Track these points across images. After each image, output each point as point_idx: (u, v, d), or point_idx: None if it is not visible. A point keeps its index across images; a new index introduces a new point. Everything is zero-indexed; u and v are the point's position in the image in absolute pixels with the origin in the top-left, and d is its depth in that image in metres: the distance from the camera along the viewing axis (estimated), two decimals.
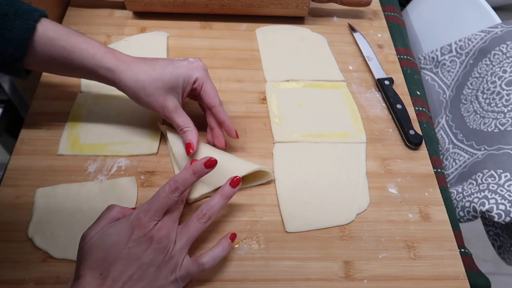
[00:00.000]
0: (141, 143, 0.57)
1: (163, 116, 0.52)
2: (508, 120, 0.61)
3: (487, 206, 0.56)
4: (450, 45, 0.74)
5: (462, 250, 0.53)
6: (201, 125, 0.57)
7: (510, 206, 0.55)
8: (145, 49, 0.67)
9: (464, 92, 0.70)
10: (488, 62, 0.67)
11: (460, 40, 0.72)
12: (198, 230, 0.45)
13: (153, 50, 0.67)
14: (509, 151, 0.58)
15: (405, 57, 0.74)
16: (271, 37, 0.73)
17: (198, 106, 0.57)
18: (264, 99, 0.64)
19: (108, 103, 0.61)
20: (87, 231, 0.43)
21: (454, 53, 0.73)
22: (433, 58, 0.76)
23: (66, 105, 0.60)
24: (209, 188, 0.51)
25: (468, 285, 0.49)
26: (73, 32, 0.49)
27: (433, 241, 0.52)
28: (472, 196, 0.58)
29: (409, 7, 0.93)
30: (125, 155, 0.56)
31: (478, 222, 0.63)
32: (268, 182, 0.55)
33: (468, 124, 0.67)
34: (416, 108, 0.67)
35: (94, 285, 0.40)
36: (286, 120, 0.61)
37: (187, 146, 0.51)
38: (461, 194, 0.60)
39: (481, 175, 0.59)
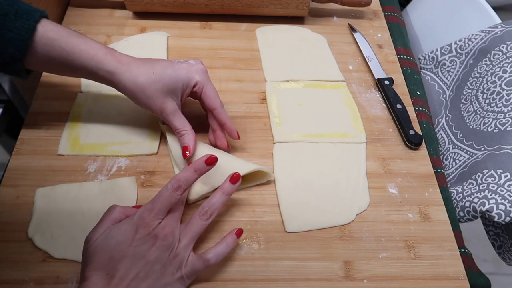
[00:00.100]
0: (141, 143, 0.57)
1: (162, 118, 0.53)
2: (508, 120, 0.61)
3: (487, 206, 0.56)
4: (450, 45, 0.74)
5: (462, 250, 0.53)
6: (202, 125, 0.57)
7: (510, 206, 0.55)
8: (145, 49, 0.67)
9: (464, 92, 0.70)
10: (488, 62, 0.67)
11: (460, 40, 0.72)
12: (201, 227, 0.45)
13: (153, 50, 0.67)
14: (509, 151, 0.58)
15: (405, 57, 0.74)
16: (271, 37, 0.73)
17: (199, 107, 0.57)
18: (264, 99, 0.64)
19: (108, 103, 0.61)
20: (90, 233, 0.43)
21: (454, 53, 0.73)
22: (433, 58, 0.76)
23: (66, 105, 0.60)
24: (208, 189, 0.51)
25: (468, 285, 0.49)
26: (74, 33, 0.49)
27: (433, 241, 0.52)
28: (472, 196, 0.58)
29: (409, 7, 0.93)
30: (125, 155, 0.56)
31: (478, 222, 0.63)
32: (268, 182, 0.55)
33: (468, 124, 0.67)
34: (416, 108, 0.67)
35: (101, 286, 0.40)
36: (286, 120, 0.61)
37: (183, 150, 0.52)
38: (461, 194, 0.60)
39: (481, 175, 0.59)
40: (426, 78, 0.77)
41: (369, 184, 0.56)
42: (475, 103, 0.67)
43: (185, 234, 0.45)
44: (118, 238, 0.41)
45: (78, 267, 0.46)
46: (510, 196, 0.55)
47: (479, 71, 0.68)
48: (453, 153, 0.68)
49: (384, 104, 0.65)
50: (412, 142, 0.59)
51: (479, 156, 0.62)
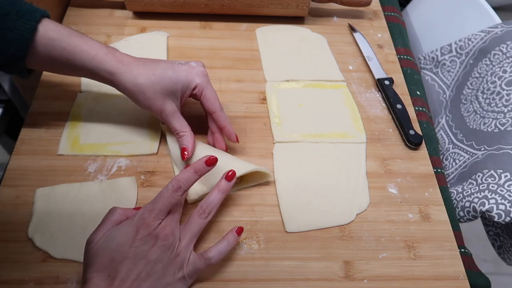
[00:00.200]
0: (141, 143, 0.57)
1: (161, 119, 0.53)
2: (508, 120, 0.61)
3: (487, 206, 0.56)
4: (450, 45, 0.74)
5: (462, 250, 0.53)
6: (202, 127, 0.57)
7: (510, 206, 0.55)
8: (145, 49, 0.67)
9: (464, 92, 0.70)
10: (488, 62, 0.67)
11: (460, 40, 0.72)
12: (200, 226, 0.46)
13: (153, 50, 0.67)
14: (509, 151, 0.58)
15: (405, 57, 0.74)
16: (271, 37, 0.73)
17: (198, 108, 0.57)
18: (264, 99, 0.64)
19: (108, 103, 0.61)
20: (92, 236, 0.43)
21: (454, 53, 0.73)
22: (433, 58, 0.76)
23: (66, 105, 0.60)
24: (208, 189, 0.51)
25: (468, 285, 0.49)
26: (75, 32, 0.49)
27: (433, 241, 0.52)
28: (472, 196, 0.58)
29: (409, 7, 0.93)
30: (125, 155, 0.56)
31: (478, 222, 0.63)
32: (268, 182, 0.55)
33: (468, 124, 0.67)
34: (416, 108, 0.67)
35: (103, 287, 0.40)
36: (286, 120, 0.61)
37: (182, 151, 0.52)
38: (461, 194, 0.60)
39: (481, 175, 0.59)
40: (426, 78, 0.77)
41: (369, 184, 0.56)
42: (475, 103, 0.67)
43: (185, 234, 0.45)
44: (119, 239, 0.41)
45: (78, 267, 0.46)
46: (510, 196, 0.55)
47: (479, 71, 0.68)
48: (453, 153, 0.68)
49: (384, 104, 0.65)
50: (412, 142, 0.59)
51: (479, 156, 0.62)
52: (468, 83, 0.70)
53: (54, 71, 0.53)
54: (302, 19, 0.76)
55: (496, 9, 0.75)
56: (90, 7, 0.74)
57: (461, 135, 0.67)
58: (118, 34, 0.71)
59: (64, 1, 0.74)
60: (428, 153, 0.60)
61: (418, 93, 0.69)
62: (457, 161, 0.66)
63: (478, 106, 0.66)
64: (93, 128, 0.58)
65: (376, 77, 0.67)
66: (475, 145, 0.64)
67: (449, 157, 0.68)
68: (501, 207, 0.55)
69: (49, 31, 0.47)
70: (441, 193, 0.56)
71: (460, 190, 0.61)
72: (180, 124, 0.52)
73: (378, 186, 0.56)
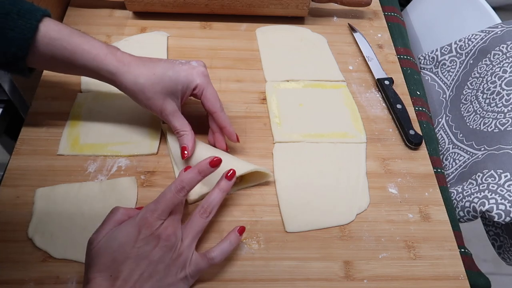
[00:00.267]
0: (141, 143, 0.57)
1: (162, 118, 0.53)
2: (508, 120, 0.61)
3: (487, 206, 0.56)
4: (450, 45, 0.74)
5: (462, 250, 0.53)
6: (202, 126, 0.57)
7: (510, 206, 0.55)
8: (145, 49, 0.67)
9: (464, 92, 0.70)
10: (488, 62, 0.67)
11: (460, 40, 0.72)
12: (202, 225, 0.46)
13: (153, 50, 0.67)
14: (509, 151, 0.58)
15: (405, 57, 0.74)
16: (271, 37, 0.73)
17: (199, 107, 0.57)
18: (264, 99, 0.64)
19: (108, 103, 0.61)
20: (94, 235, 0.43)
21: (454, 53, 0.73)
22: (433, 58, 0.76)
23: (66, 105, 0.60)
24: (208, 189, 0.52)
25: (468, 285, 0.49)
26: (76, 32, 0.49)
27: (433, 241, 0.52)
28: (472, 196, 0.58)
29: (409, 7, 0.93)
30: (125, 155, 0.56)
31: (478, 222, 0.63)
32: (268, 182, 0.55)
33: (468, 124, 0.67)
34: (416, 108, 0.67)
35: (105, 287, 0.40)
36: (286, 120, 0.61)
37: (182, 150, 0.52)
38: (461, 194, 0.60)
39: (481, 175, 0.59)
40: (426, 78, 0.77)
41: (369, 184, 0.56)
42: (475, 103, 0.67)
43: (187, 234, 0.45)
44: (121, 239, 0.41)
45: (78, 267, 0.46)
46: (510, 196, 0.55)
47: (479, 71, 0.68)
48: (453, 153, 0.68)
49: (384, 104, 0.65)
50: (412, 142, 0.59)
51: (479, 156, 0.62)
52: (468, 83, 0.70)
53: (55, 70, 0.54)
54: (302, 19, 0.76)
55: (496, 9, 0.75)
56: (90, 7, 0.74)
57: (461, 135, 0.67)
58: (118, 34, 0.71)
59: (64, 1, 0.74)
60: (428, 153, 0.60)
61: (418, 93, 0.69)
62: (457, 161, 0.66)
63: (478, 106, 0.66)
64: (93, 128, 0.58)
65: (376, 77, 0.67)
66: (475, 145, 0.64)
67: (449, 157, 0.68)
68: (501, 207, 0.55)
69: (50, 31, 0.47)
70: (441, 193, 0.56)
71: (460, 190, 0.61)
72: (181, 123, 0.52)
73: (378, 186, 0.56)
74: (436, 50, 0.76)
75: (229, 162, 0.52)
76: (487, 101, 0.65)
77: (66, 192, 0.52)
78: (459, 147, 0.67)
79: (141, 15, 0.74)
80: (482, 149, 0.63)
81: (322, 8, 0.78)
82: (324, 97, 0.65)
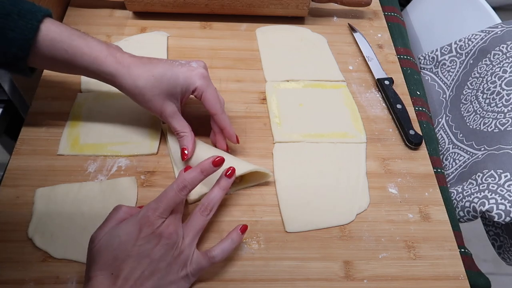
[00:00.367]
0: (141, 143, 0.57)
1: (162, 120, 0.53)
2: (508, 120, 0.61)
3: (487, 206, 0.56)
4: (450, 45, 0.74)
5: (462, 250, 0.53)
6: (203, 127, 0.57)
7: (510, 206, 0.55)
8: (145, 49, 0.67)
9: (464, 92, 0.70)
10: (488, 62, 0.67)
11: (460, 40, 0.72)
12: (202, 223, 0.46)
13: (153, 50, 0.67)
14: (509, 151, 0.58)
15: (405, 57, 0.74)
16: (271, 37, 0.73)
17: (199, 107, 0.57)
18: (264, 99, 0.64)
19: (108, 103, 0.61)
20: (95, 233, 0.43)
21: (454, 53, 0.73)
22: (433, 58, 0.76)
23: (66, 105, 0.60)
24: (207, 189, 0.51)
25: (468, 285, 0.49)
26: (76, 33, 0.49)
27: (433, 241, 0.52)
28: (472, 196, 0.58)
29: (409, 7, 0.93)
30: (125, 155, 0.56)
31: (478, 222, 0.63)
32: (268, 182, 0.55)
33: (468, 124, 0.67)
34: (416, 108, 0.67)
35: (106, 285, 0.40)
36: (286, 120, 0.61)
37: (182, 152, 0.52)
38: (461, 194, 0.60)
39: (481, 175, 0.59)
40: (426, 78, 0.77)
41: (369, 184, 0.56)
42: (475, 103, 0.67)
43: (188, 232, 0.45)
44: (122, 237, 0.41)
45: (78, 267, 0.46)
46: (510, 196, 0.55)
47: (479, 71, 0.68)
48: (453, 153, 0.68)
49: (384, 104, 0.65)
50: (412, 142, 0.59)
51: (479, 156, 0.62)
52: (468, 83, 0.70)
53: (55, 69, 0.54)
54: (302, 19, 0.76)
55: (496, 9, 0.75)
56: (90, 7, 0.74)
57: (461, 135, 0.67)
58: (118, 34, 0.71)
59: (64, 1, 0.74)
60: (428, 153, 0.60)
61: (418, 93, 0.69)
62: (457, 161, 0.66)
63: (478, 106, 0.66)
64: (93, 128, 0.58)
65: (376, 77, 0.67)
66: (475, 145, 0.64)
67: (449, 157, 0.68)
68: (501, 207, 0.55)
69: (50, 32, 0.47)
70: (441, 193, 0.56)
71: (460, 190, 0.61)
72: (181, 124, 0.52)
73: (378, 186, 0.56)
74: (436, 50, 0.76)
75: (229, 162, 0.52)
76: (487, 101, 0.65)
77: (66, 192, 0.52)
78: (459, 147, 0.67)
79: (141, 15, 0.74)
80: (482, 149, 0.63)
81: (322, 8, 0.78)
82: (324, 97, 0.65)
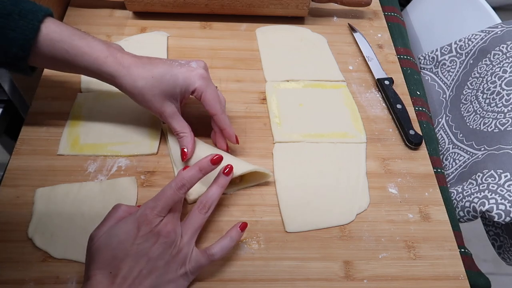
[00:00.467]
0: (141, 143, 0.57)
1: (161, 120, 0.53)
2: (508, 120, 0.61)
3: (487, 206, 0.56)
4: (450, 45, 0.74)
5: (462, 250, 0.53)
6: (203, 127, 0.57)
7: (510, 206, 0.55)
8: (145, 49, 0.67)
9: (464, 92, 0.70)
10: (488, 62, 0.67)
11: (460, 40, 0.72)
12: (201, 220, 0.46)
13: (153, 50, 0.67)
14: (509, 151, 0.58)
15: (405, 57, 0.74)
16: (271, 37, 0.73)
17: (199, 108, 0.57)
18: (264, 99, 0.64)
19: (108, 103, 0.61)
20: (94, 232, 0.43)
21: (454, 53, 0.73)
22: (433, 58, 0.76)
23: (66, 105, 0.60)
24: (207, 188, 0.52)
25: (468, 285, 0.49)
26: (77, 33, 0.49)
27: (433, 241, 0.52)
28: (472, 196, 0.58)
29: (409, 7, 0.93)
30: (125, 155, 0.56)
31: (478, 222, 0.63)
32: (268, 182, 0.55)
33: (468, 124, 0.67)
34: (416, 108, 0.67)
35: (105, 284, 0.40)
36: (286, 120, 0.61)
37: (182, 152, 0.52)
38: (461, 194, 0.60)
39: (481, 175, 0.59)
40: (426, 78, 0.77)
41: (369, 184, 0.56)
42: (475, 103, 0.67)
43: (186, 230, 0.45)
44: (121, 236, 0.42)
45: (78, 267, 0.46)
46: (510, 196, 0.55)
47: (479, 71, 0.68)
48: (453, 153, 0.68)
49: (384, 104, 0.65)
50: (412, 142, 0.59)
51: (479, 156, 0.62)
52: (468, 83, 0.70)
53: (56, 69, 0.54)
54: (302, 19, 0.76)
55: (496, 9, 0.75)
56: (90, 7, 0.74)
57: (461, 135, 0.67)
58: (118, 34, 0.71)
59: (64, 1, 0.74)
60: (428, 153, 0.60)
61: (418, 93, 0.69)
62: (457, 161, 0.66)
63: (478, 106, 0.66)
64: (93, 128, 0.58)
65: (376, 77, 0.67)
66: (475, 145, 0.64)
67: (449, 157, 0.68)
68: (501, 207, 0.55)
69: (51, 32, 0.48)
70: (441, 193, 0.56)
71: (460, 190, 0.61)
72: (180, 125, 0.52)
73: (378, 186, 0.56)
74: (436, 50, 0.76)
75: (229, 162, 0.52)
76: (487, 101, 0.65)
77: (66, 192, 0.52)
78: (459, 147, 0.67)
79: (141, 15, 0.74)
80: (482, 149, 0.63)
81: (322, 8, 0.78)
82: (324, 97, 0.65)
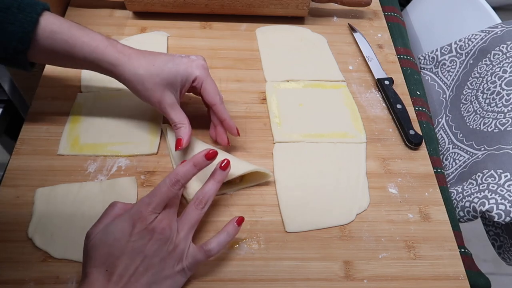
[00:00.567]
0: (141, 143, 0.57)
1: (160, 111, 0.53)
2: (508, 120, 0.61)
3: (487, 206, 0.56)
4: (450, 45, 0.74)
5: (462, 250, 0.53)
6: (203, 125, 0.57)
7: (510, 206, 0.55)
8: (145, 49, 0.67)
9: (464, 92, 0.70)
10: (488, 62, 0.67)
11: (460, 40, 0.72)
12: (197, 216, 0.46)
13: (153, 50, 0.67)
14: (509, 151, 0.58)
15: (405, 57, 0.74)
16: (271, 37, 0.73)
17: (198, 106, 0.57)
18: (264, 99, 0.64)
19: (108, 103, 0.61)
20: (91, 229, 0.43)
21: (454, 53, 0.73)
22: (433, 58, 0.76)
23: (66, 105, 0.60)
24: None
25: (468, 285, 0.49)
26: (75, 25, 0.50)
27: (433, 241, 0.52)
28: (472, 196, 0.58)
29: (409, 7, 0.93)
30: (125, 155, 0.56)
31: (478, 222, 0.63)
32: (268, 182, 0.55)
33: (468, 124, 0.67)
34: (416, 108, 0.67)
35: (101, 282, 0.40)
36: (286, 120, 0.61)
37: (177, 142, 0.51)
38: (461, 194, 0.60)
39: (481, 175, 0.59)
40: (426, 78, 0.77)
41: (369, 184, 0.56)
42: (475, 103, 0.67)
43: (183, 225, 0.45)
44: (116, 234, 0.41)
45: (78, 267, 0.46)
46: (510, 196, 0.55)
47: (479, 71, 0.68)
48: (453, 153, 0.68)
49: (384, 104, 0.65)
50: (412, 142, 0.59)
51: (479, 156, 0.62)
52: (468, 83, 0.70)
53: (55, 63, 0.54)
54: (302, 19, 0.76)
55: (496, 9, 0.75)
56: (90, 7, 0.74)
57: (461, 135, 0.67)
58: (118, 34, 0.71)
59: (64, 1, 0.74)
60: (428, 153, 0.60)
61: (418, 93, 0.69)
62: (457, 161, 0.66)
63: (478, 106, 0.66)
64: (93, 128, 0.58)
65: (376, 77, 0.68)
66: (475, 145, 0.64)
67: (449, 157, 0.68)
68: (501, 207, 0.55)
69: (50, 24, 0.48)
70: (441, 193, 0.56)
71: (460, 190, 0.61)
72: (179, 115, 0.52)
73: (378, 186, 0.56)
74: (436, 50, 0.76)
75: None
76: (487, 101, 0.65)
77: (66, 192, 0.52)
78: (459, 147, 0.67)
79: (141, 15, 0.74)
80: (482, 149, 0.63)
81: (322, 8, 0.78)
82: (324, 97, 0.65)
